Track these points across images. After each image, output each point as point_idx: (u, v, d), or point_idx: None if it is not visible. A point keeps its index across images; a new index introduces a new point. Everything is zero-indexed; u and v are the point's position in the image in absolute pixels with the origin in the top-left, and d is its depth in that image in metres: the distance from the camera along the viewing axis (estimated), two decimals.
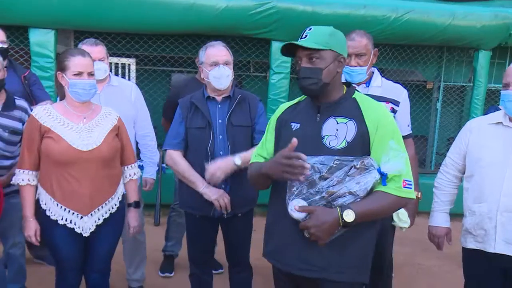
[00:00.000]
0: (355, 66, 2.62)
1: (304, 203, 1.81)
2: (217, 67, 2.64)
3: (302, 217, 1.81)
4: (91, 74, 2.42)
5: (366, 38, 2.63)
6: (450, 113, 6.77)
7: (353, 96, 1.94)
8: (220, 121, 2.69)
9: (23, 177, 2.44)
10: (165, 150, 2.79)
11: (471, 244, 2.43)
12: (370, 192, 1.81)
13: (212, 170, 2.57)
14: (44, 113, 2.43)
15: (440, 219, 2.63)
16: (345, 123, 1.87)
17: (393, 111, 2.69)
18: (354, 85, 2.64)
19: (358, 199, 1.79)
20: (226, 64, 2.67)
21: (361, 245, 1.90)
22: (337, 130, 1.87)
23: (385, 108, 2.03)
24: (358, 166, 1.78)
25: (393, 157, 1.76)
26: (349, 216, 1.74)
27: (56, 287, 2.62)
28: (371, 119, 1.85)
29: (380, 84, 2.73)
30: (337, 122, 1.88)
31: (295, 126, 1.98)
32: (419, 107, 6.40)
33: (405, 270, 4.31)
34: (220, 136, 2.67)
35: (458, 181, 2.60)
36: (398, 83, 2.83)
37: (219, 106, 2.72)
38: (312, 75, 1.87)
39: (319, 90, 1.89)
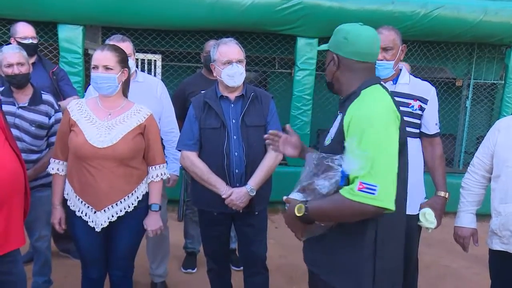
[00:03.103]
0: (381, 60, 2.55)
1: (299, 196, 1.86)
2: (230, 65, 2.62)
3: None
4: (107, 68, 2.40)
5: (394, 32, 2.56)
6: (480, 111, 6.61)
7: (361, 91, 1.82)
8: (234, 121, 2.68)
9: (53, 166, 2.56)
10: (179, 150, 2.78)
11: (497, 246, 2.39)
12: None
13: (234, 200, 2.63)
14: (76, 107, 2.50)
15: (465, 219, 2.58)
16: (339, 119, 1.84)
17: (421, 109, 2.63)
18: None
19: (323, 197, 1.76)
20: (239, 62, 2.65)
21: (349, 253, 1.81)
22: (333, 126, 1.88)
23: (373, 104, 1.75)
24: (329, 164, 1.74)
25: (349, 157, 1.68)
26: (299, 210, 1.76)
27: (82, 281, 2.67)
28: (348, 115, 1.75)
29: (408, 82, 2.67)
30: (338, 118, 1.88)
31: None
32: (448, 105, 6.27)
33: (431, 271, 4.23)
34: (235, 137, 2.66)
35: (486, 182, 2.54)
36: (427, 80, 2.77)
37: (232, 105, 2.71)
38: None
39: (328, 88, 1.98)
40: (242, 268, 3.92)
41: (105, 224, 2.48)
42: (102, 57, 2.42)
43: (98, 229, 2.48)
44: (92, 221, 2.47)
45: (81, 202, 2.46)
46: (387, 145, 1.69)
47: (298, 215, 1.76)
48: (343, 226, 1.79)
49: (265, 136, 2.20)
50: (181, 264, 4.05)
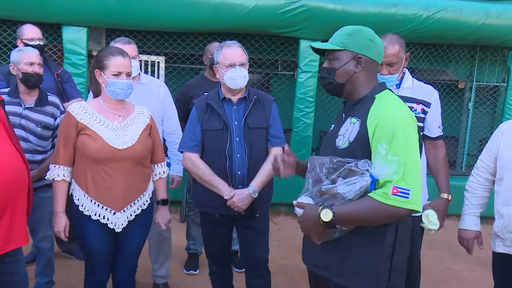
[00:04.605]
0: (386, 75, 2.55)
1: (309, 200, 1.85)
2: (233, 68, 2.63)
3: (301, 213, 1.86)
4: (128, 74, 2.45)
5: (398, 44, 2.51)
6: (483, 114, 6.62)
7: (375, 96, 1.85)
8: (236, 122, 2.68)
9: (58, 173, 2.47)
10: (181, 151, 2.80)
11: (500, 248, 2.40)
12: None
13: (236, 202, 2.63)
14: (81, 110, 2.46)
15: (470, 222, 2.59)
16: (354, 123, 1.83)
17: (424, 112, 2.64)
18: None
19: (348, 202, 1.76)
20: (242, 65, 2.66)
21: (368, 253, 1.83)
22: (346, 130, 1.86)
23: (398, 110, 1.80)
24: (352, 168, 1.75)
25: (380, 162, 1.70)
26: (326, 215, 1.74)
27: (85, 283, 2.66)
28: (372, 120, 1.76)
29: (411, 85, 2.68)
30: (350, 121, 1.87)
31: (332, 126, 2.03)
32: (450, 107, 6.28)
33: (433, 274, 4.23)
34: (237, 138, 2.66)
35: (490, 185, 2.55)
36: (429, 84, 2.78)
37: (235, 107, 2.71)
38: (327, 75, 1.91)
39: (334, 90, 1.93)
40: (244, 270, 3.94)
41: (125, 224, 2.51)
42: (126, 63, 2.44)
43: (119, 230, 2.50)
44: (112, 223, 2.48)
45: (98, 205, 2.45)
46: (414, 150, 1.75)
47: (325, 220, 1.74)
48: (362, 228, 1.81)
49: (273, 163, 2.15)
50: (183, 266, 4.06)
